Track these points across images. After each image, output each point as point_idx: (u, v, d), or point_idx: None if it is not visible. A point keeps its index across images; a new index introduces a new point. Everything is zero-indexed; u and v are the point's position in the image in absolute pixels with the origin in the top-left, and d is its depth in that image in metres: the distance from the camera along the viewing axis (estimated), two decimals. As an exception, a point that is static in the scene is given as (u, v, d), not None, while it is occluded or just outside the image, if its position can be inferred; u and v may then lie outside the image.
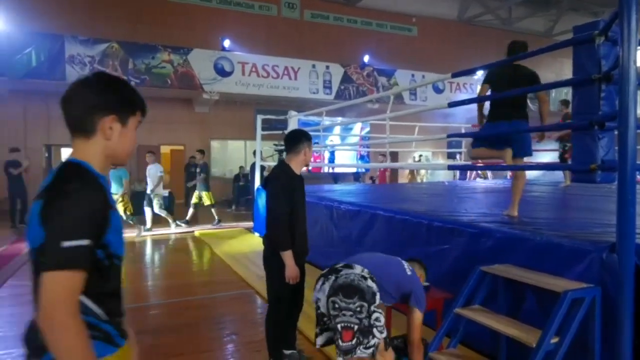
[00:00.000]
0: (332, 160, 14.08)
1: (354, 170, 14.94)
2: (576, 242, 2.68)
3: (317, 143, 9.54)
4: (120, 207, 7.68)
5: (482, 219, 3.76)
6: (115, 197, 7.55)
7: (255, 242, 7.45)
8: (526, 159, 4.05)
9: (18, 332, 1.18)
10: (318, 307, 2.41)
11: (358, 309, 2.26)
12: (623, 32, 2.26)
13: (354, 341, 2.24)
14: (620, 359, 2.25)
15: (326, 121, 9.27)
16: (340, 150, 14.06)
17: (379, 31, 16.78)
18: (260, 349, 3.33)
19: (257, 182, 8.48)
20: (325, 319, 2.38)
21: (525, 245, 2.95)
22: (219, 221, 9.33)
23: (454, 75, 4.50)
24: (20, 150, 10.02)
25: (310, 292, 2.57)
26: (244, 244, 7.54)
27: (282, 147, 3.78)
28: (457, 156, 12.76)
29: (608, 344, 2.34)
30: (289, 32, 15.14)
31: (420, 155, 15.76)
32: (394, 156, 14.15)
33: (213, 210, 9.37)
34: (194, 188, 9.63)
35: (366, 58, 15.41)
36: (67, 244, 1.02)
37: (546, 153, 9.45)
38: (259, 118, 8.93)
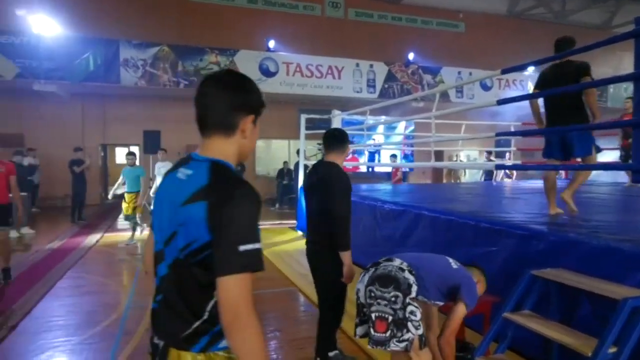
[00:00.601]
0: (371, 159, 13.94)
1: (389, 170, 14.62)
2: (638, 247, 2.52)
3: (355, 142, 9.46)
4: (129, 206, 7.53)
5: (531, 220, 3.63)
6: (129, 196, 7.53)
7: (298, 240, 7.53)
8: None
9: (77, 321, 1.25)
10: (358, 298, 2.45)
11: (393, 298, 2.26)
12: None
13: (387, 333, 2.23)
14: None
15: (370, 120, 9.21)
16: (385, 149, 13.90)
17: (425, 28, 16.50)
18: (303, 346, 3.36)
19: (301, 181, 8.55)
20: (365, 309, 2.39)
21: (580, 249, 2.81)
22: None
23: (504, 72, 4.34)
24: (82, 150, 10.65)
25: (352, 293, 2.58)
26: (287, 242, 7.63)
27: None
28: (507, 155, 12.23)
29: (672, 357, 2.19)
30: (333, 32, 15.17)
31: (457, 156, 15.28)
32: (439, 155, 13.78)
33: None
34: None
35: (411, 56, 15.15)
36: (246, 247, 1.06)
37: (605, 151, 8.94)
38: (303, 117, 8.99)
